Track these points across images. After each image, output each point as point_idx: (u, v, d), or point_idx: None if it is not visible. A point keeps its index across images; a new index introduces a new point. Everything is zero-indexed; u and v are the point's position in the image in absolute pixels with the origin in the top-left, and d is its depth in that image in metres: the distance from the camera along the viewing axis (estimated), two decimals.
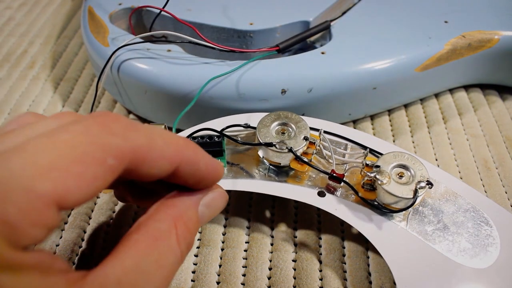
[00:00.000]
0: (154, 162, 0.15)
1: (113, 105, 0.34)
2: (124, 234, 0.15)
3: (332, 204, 0.23)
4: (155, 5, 0.31)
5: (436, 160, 0.30)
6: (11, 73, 0.38)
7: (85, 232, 0.26)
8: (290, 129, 0.24)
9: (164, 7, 0.30)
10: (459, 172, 0.29)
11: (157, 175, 0.15)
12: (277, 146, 0.23)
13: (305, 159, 0.23)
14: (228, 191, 0.24)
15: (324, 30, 0.31)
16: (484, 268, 0.20)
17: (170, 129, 0.23)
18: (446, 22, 0.31)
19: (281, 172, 0.24)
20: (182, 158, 0.16)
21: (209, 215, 0.18)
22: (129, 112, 0.34)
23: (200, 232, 0.26)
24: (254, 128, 0.24)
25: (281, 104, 0.28)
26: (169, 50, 0.29)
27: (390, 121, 0.33)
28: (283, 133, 0.24)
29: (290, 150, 0.23)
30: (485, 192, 0.27)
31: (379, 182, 0.21)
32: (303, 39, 0.30)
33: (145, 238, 0.15)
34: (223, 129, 0.24)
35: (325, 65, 0.28)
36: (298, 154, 0.23)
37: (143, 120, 0.33)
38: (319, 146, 0.24)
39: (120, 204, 0.27)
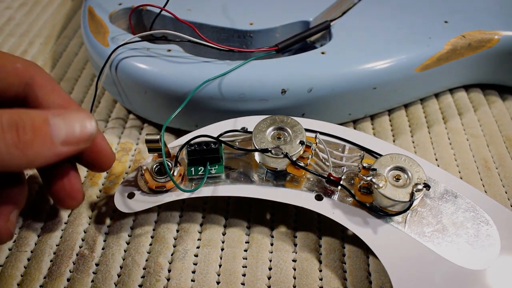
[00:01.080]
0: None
1: (113, 105, 0.34)
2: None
3: (329, 208, 0.23)
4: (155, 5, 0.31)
5: (436, 160, 0.30)
6: None
7: (85, 232, 0.26)
8: (286, 134, 0.24)
9: (164, 6, 0.30)
10: (459, 172, 0.29)
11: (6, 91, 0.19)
12: (272, 152, 0.22)
13: (301, 164, 0.23)
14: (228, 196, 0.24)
15: (324, 30, 0.31)
16: (483, 270, 0.20)
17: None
18: (446, 22, 0.31)
19: (279, 176, 0.24)
20: (33, 74, 0.20)
21: (67, 127, 0.18)
22: (129, 112, 0.34)
23: (200, 232, 0.26)
24: (251, 132, 0.24)
25: (281, 104, 0.28)
26: (169, 50, 0.29)
27: (390, 121, 0.33)
28: (279, 138, 0.23)
29: (286, 156, 0.22)
30: (485, 192, 0.27)
31: (375, 186, 0.21)
32: (303, 39, 0.30)
33: None
34: (219, 135, 0.24)
35: (325, 65, 0.28)
36: (294, 158, 0.23)
37: (143, 120, 0.33)
38: (314, 149, 0.24)
39: None
